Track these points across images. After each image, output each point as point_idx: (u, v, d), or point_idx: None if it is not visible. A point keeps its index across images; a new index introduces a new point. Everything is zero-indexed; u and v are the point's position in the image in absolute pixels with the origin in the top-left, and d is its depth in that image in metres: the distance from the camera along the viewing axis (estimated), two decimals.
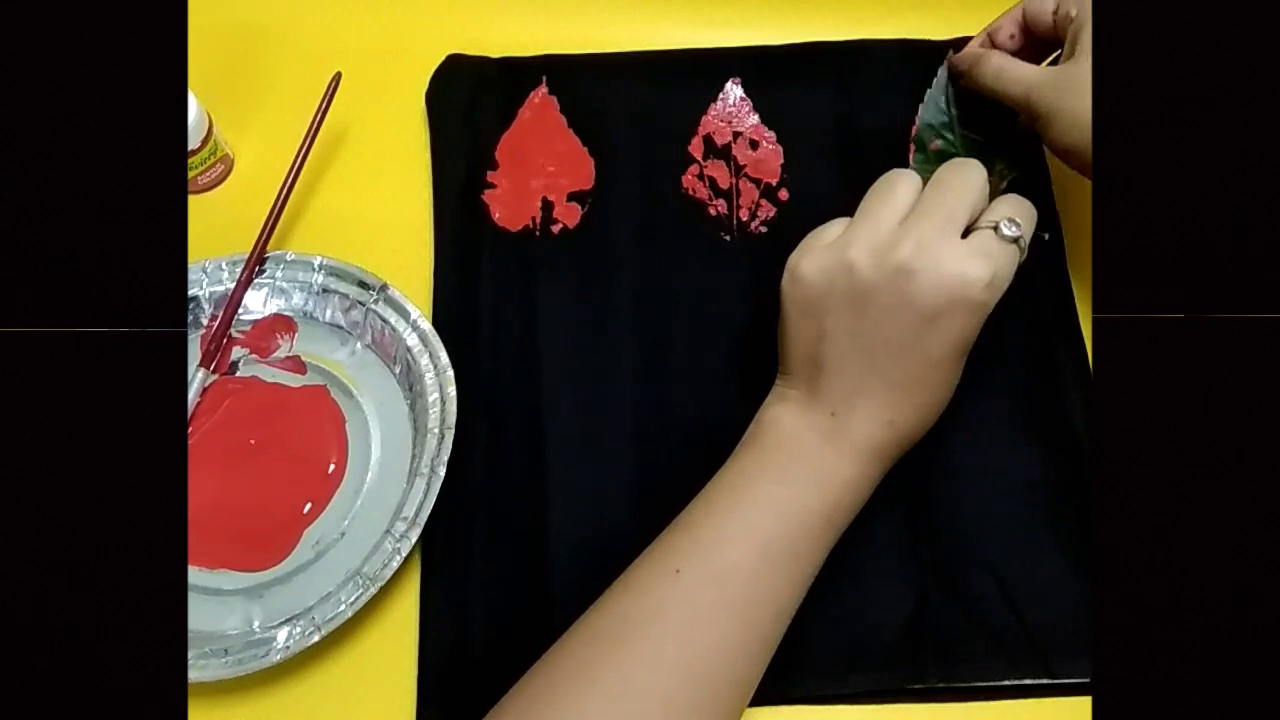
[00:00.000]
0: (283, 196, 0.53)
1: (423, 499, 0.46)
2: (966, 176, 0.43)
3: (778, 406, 0.44)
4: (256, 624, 0.45)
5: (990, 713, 0.44)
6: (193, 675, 0.42)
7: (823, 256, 0.43)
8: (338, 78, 0.54)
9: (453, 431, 0.47)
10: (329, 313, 0.52)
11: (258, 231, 0.52)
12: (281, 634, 0.43)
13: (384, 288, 0.51)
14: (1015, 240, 0.42)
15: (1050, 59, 0.51)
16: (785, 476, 0.42)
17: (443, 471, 0.46)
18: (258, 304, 0.52)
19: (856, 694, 0.44)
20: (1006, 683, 0.44)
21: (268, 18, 0.61)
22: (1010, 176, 0.53)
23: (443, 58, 0.58)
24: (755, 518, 0.41)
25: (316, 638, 0.43)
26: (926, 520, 0.47)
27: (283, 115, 0.57)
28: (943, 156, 0.54)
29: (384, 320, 0.51)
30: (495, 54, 0.59)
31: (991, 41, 0.52)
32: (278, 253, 0.53)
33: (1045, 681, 0.44)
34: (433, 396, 0.48)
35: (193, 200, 0.56)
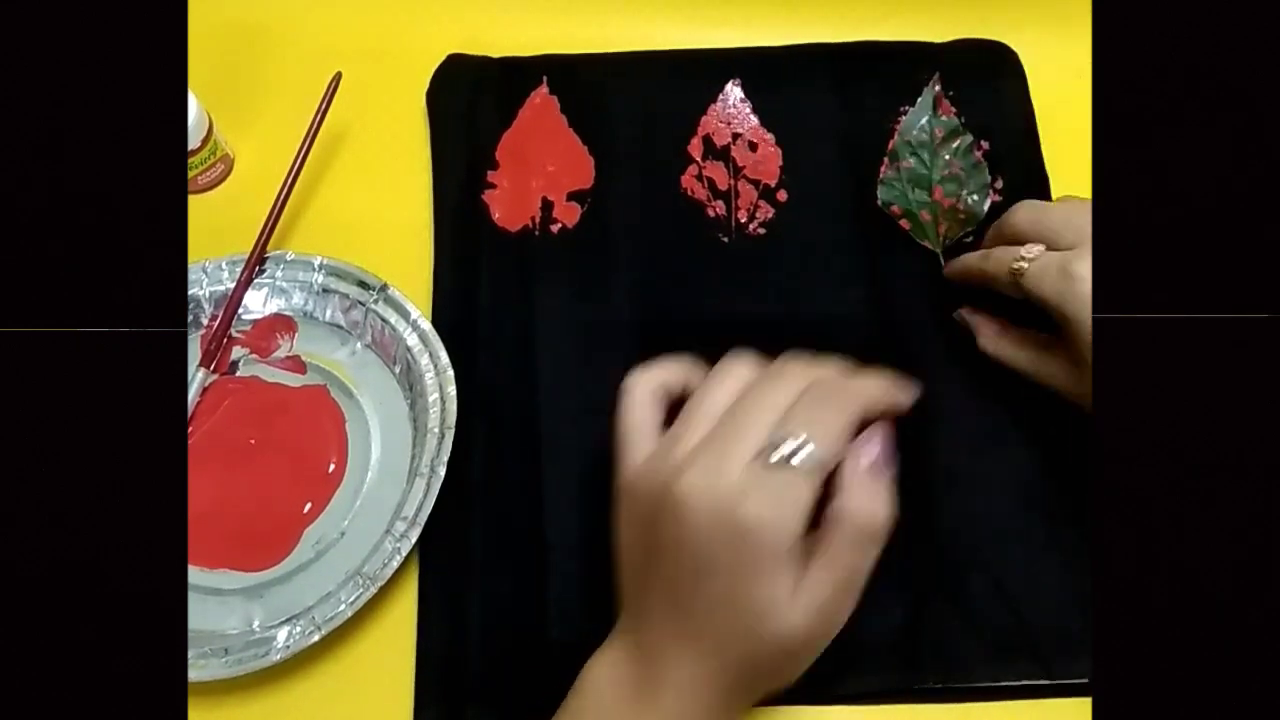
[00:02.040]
0: (283, 196, 0.53)
1: (422, 499, 0.46)
2: (774, 389, 0.37)
3: (598, 657, 0.39)
4: (256, 624, 0.45)
5: (989, 713, 0.44)
6: (193, 675, 0.42)
7: (643, 474, 0.38)
8: (338, 78, 0.54)
9: (453, 431, 0.47)
10: (329, 313, 0.52)
11: (258, 231, 0.52)
12: (281, 634, 0.43)
13: (384, 288, 0.51)
14: (788, 456, 0.35)
15: None
16: None
17: (443, 471, 0.46)
18: (258, 304, 0.52)
19: (855, 695, 0.44)
20: (1005, 683, 0.44)
21: (268, 18, 0.61)
22: (970, 218, 0.53)
23: (443, 58, 0.58)
24: None
25: (316, 637, 0.43)
26: (924, 521, 0.47)
27: (283, 115, 0.57)
28: (913, 177, 0.54)
29: (384, 320, 0.51)
30: (495, 54, 0.59)
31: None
32: (278, 253, 0.53)
33: (1044, 682, 0.44)
34: (433, 396, 0.48)
35: (193, 200, 0.56)
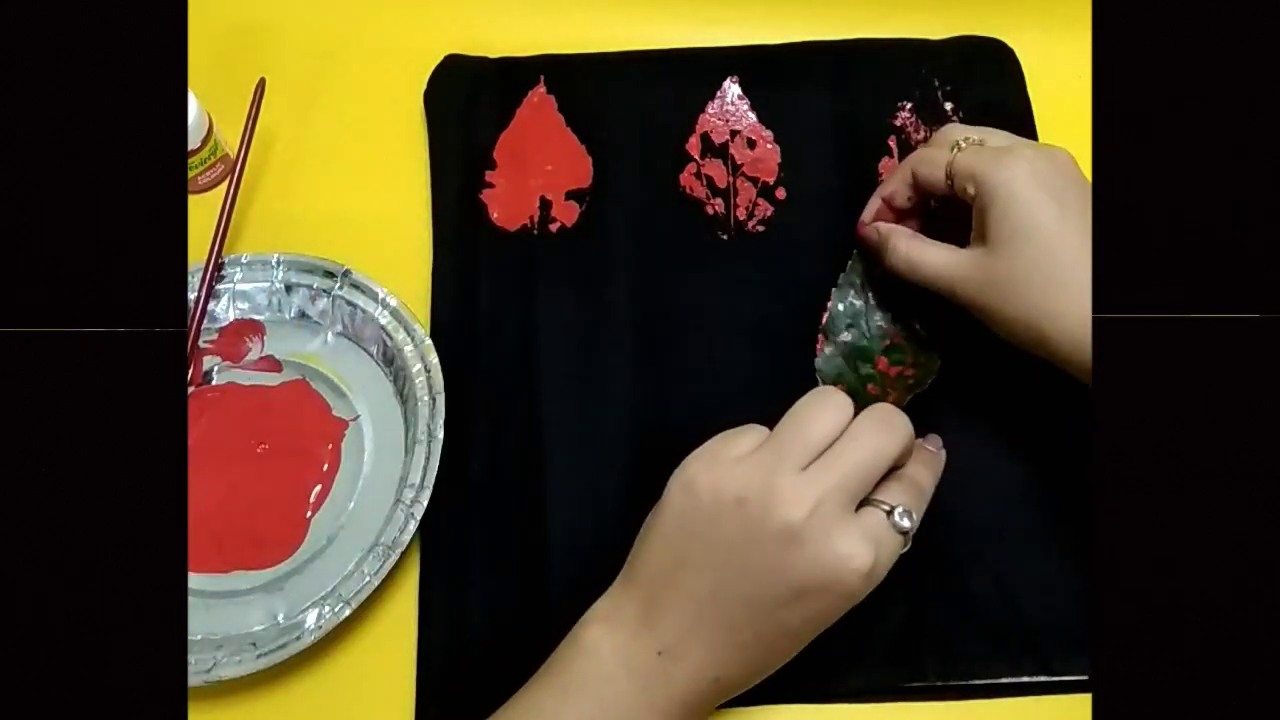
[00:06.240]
0: (228, 205, 0.52)
1: (425, 463, 0.46)
2: (888, 435, 0.39)
3: (601, 627, 0.40)
4: (280, 616, 0.45)
5: (989, 711, 0.44)
6: (226, 673, 0.42)
7: (724, 477, 0.38)
8: (262, 83, 0.54)
9: (443, 396, 0.47)
10: (295, 307, 0.52)
11: (255, 232, 0.52)
12: (311, 616, 0.43)
13: (347, 273, 0.51)
14: (905, 533, 0.39)
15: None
16: None
17: (441, 435, 0.47)
18: (222, 309, 0.52)
19: (855, 692, 0.44)
20: (1005, 680, 0.44)
21: (268, 18, 0.61)
22: (920, 383, 0.49)
23: (440, 58, 0.58)
24: None
25: (347, 613, 0.43)
26: (924, 519, 0.47)
27: (283, 115, 0.57)
28: (853, 350, 0.50)
29: (352, 304, 0.51)
30: (493, 54, 0.59)
31: (889, 207, 0.49)
32: (234, 255, 0.52)
33: (1044, 679, 0.44)
34: (416, 367, 0.48)
35: (193, 200, 0.56)
